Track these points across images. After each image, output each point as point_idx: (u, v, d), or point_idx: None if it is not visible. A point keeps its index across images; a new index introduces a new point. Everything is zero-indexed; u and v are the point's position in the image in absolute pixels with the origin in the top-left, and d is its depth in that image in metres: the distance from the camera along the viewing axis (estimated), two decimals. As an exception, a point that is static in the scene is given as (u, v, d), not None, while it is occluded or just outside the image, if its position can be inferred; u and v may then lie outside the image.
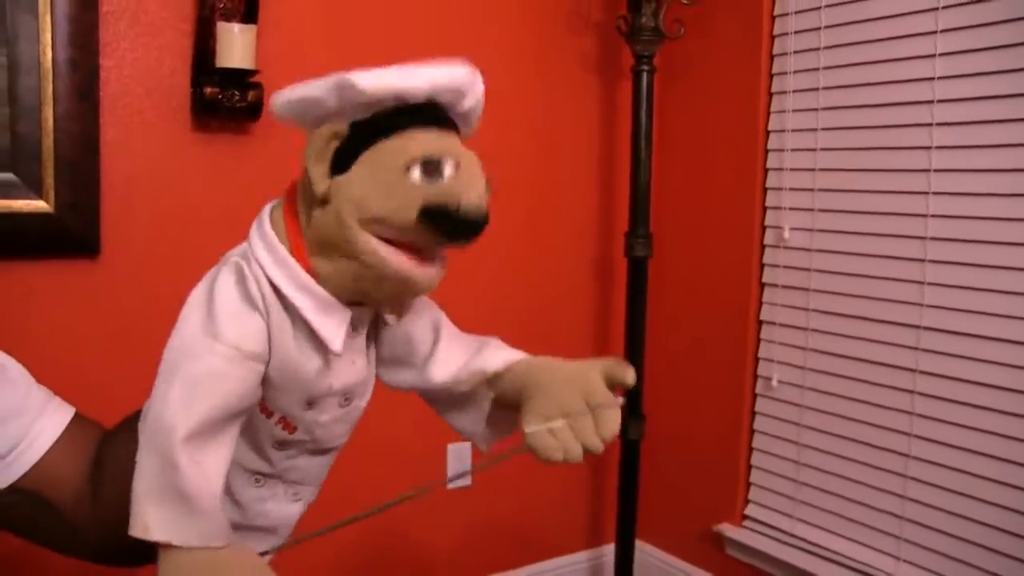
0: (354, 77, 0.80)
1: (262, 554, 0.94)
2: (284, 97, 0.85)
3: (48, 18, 1.78)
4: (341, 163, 0.81)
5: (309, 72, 2.21)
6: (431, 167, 0.79)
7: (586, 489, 2.73)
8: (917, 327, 2.05)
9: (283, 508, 0.97)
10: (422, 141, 0.80)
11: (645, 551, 2.68)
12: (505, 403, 0.94)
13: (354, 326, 0.88)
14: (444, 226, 0.79)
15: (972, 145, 1.94)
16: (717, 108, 2.51)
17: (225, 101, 1.91)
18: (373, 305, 0.89)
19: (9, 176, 1.79)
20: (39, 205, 1.82)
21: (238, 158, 2.02)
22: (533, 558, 2.63)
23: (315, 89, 0.83)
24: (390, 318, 0.91)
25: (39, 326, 1.86)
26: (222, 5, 1.91)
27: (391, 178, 0.79)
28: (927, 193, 2.01)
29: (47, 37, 1.79)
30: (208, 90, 1.91)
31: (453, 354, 0.96)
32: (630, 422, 2.46)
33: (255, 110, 1.95)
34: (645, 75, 2.36)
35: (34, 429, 0.96)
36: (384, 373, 0.97)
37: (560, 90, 2.53)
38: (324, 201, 0.81)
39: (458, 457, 2.42)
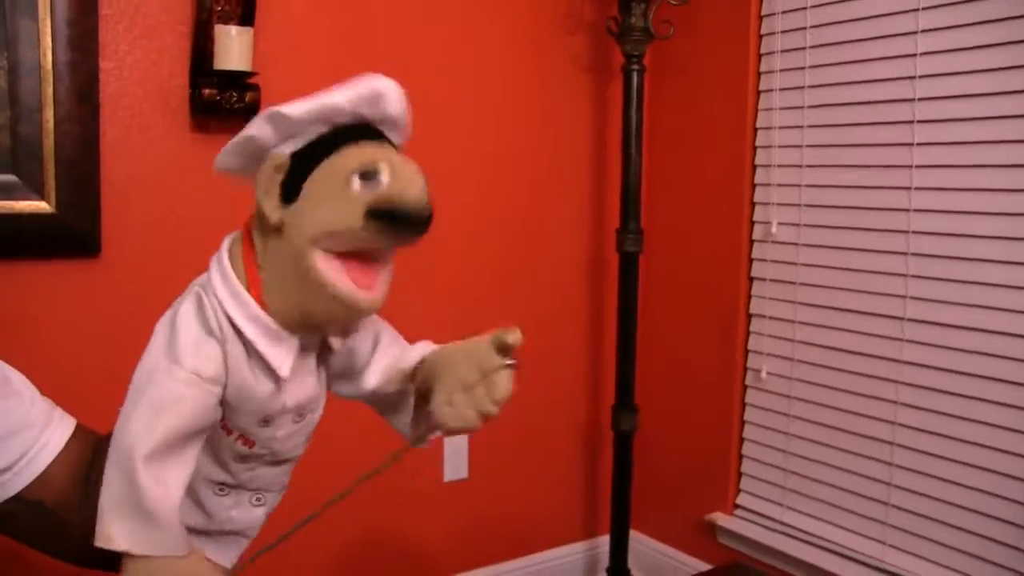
0: (281, 107, 0.87)
1: (244, 556, 1.01)
2: (223, 150, 0.91)
3: (48, 22, 1.82)
4: (289, 193, 0.87)
5: (307, 73, 2.27)
6: (369, 174, 0.85)
7: (581, 481, 2.77)
8: (901, 319, 2.10)
9: (247, 513, 1.03)
10: (357, 154, 0.86)
11: (639, 541, 2.73)
12: (425, 395, 1.00)
13: (304, 349, 0.94)
14: (390, 223, 0.84)
15: (952, 142, 1.99)
16: (706, 106, 2.56)
17: (224, 102, 1.95)
18: (320, 332, 0.96)
19: (10, 177, 1.82)
20: (40, 206, 1.85)
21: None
22: (529, 550, 2.67)
23: (248, 128, 0.89)
24: (335, 342, 0.97)
25: (40, 325, 1.90)
26: (219, 8, 1.94)
27: (334, 193, 0.85)
28: (909, 188, 2.06)
29: (47, 40, 1.82)
30: (207, 91, 1.95)
31: (384, 360, 1.03)
32: (623, 414, 2.51)
33: (253, 111, 1.98)
34: (635, 74, 2.40)
35: (39, 441, 1.03)
36: (334, 386, 1.05)
37: (553, 89, 2.57)
38: (279, 230, 0.87)
39: (455, 452, 2.47)
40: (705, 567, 2.47)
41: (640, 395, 2.61)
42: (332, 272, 0.86)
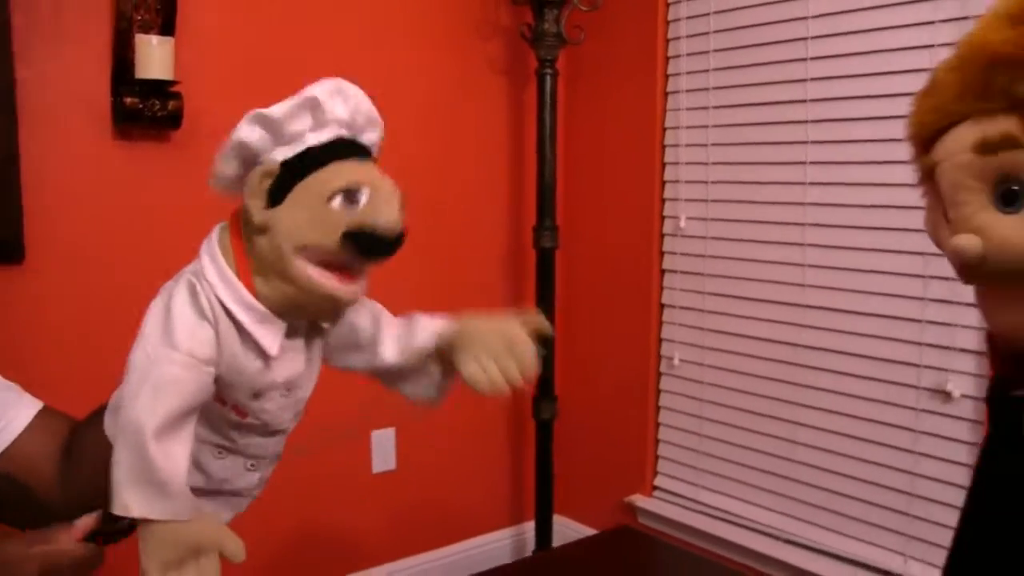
0: (264, 110, 0.95)
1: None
2: (218, 158, 1.00)
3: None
4: (275, 197, 0.96)
5: (229, 81, 2.31)
6: (350, 196, 0.95)
7: (506, 469, 2.87)
8: (799, 305, 2.23)
9: (243, 478, 1.12)
10: (342, 173, 0.96)
11: (564, 524, 2.83)
12: (446, 363, 1.11)
13: (292, 329, 1.03)
14: (363, 247, 0.95)
15: (842, 140, 2.13)
16: (617, 107, 2.67)
17: (146, 111, 1.99)
18: (307, 318, 1.05)
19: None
20: (-39, 215, 1.87)
21: (159, 165, 2.10)
22: (457, 537, 2.75)
23: (237, 133, 0.99)
24: (324, 324, 1.07)
25: (-31, 332, 1.92)
26: (139, 17, 1.97)
27: (316, 208, 0.94)
28: (804, 184, 2.20)
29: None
30: (128, 100, 1.98)
31: (397, 335, 1.12)
32: (543, 403, 2.61)
33: (175, 119, 2.03)
34: (549, 78, 2.51)
35: (6, 417, 1.11)
36: (335, 359, 1.15)
37: (471, 92, 2.65)
38: (262, 230, 0.96)
39: (383, 444, 2.54)
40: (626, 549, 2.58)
41: (560, 385, 2.71)
42: (314, 274, 0.95)
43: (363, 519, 2.54)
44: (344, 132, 1.00)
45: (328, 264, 0.97)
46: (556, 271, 2.63)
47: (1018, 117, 0.73)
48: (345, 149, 0.99)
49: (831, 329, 2.17)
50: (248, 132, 0.96)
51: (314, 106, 0.97)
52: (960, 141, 0.78)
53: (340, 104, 0.99)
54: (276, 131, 0.96)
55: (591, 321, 2.80)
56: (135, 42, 1.96)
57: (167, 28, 2.00)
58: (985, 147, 0.75)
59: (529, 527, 2.83)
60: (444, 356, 1.11)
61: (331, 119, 0.98)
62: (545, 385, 2.62)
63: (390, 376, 1.17)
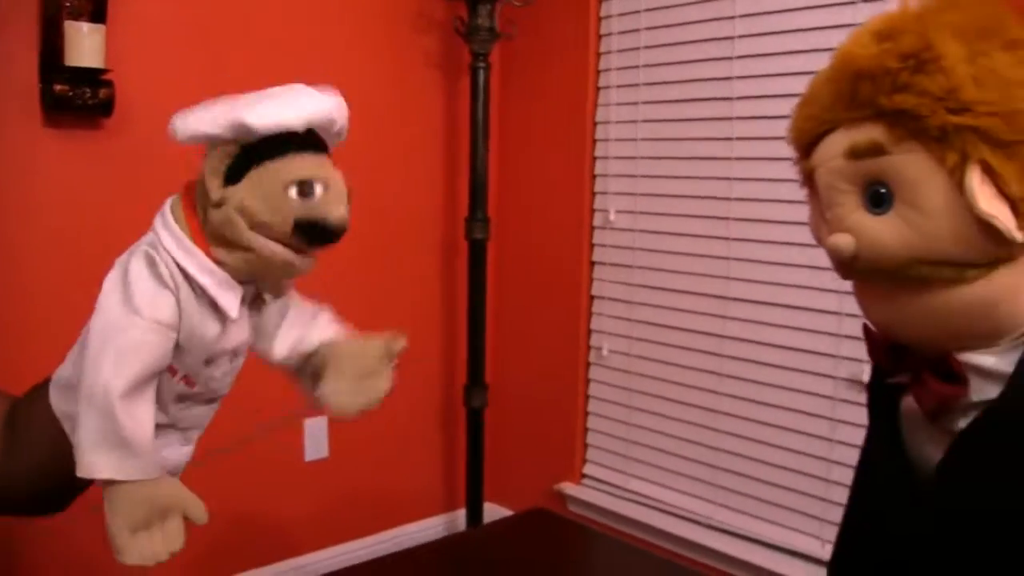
0: (247, 118, 0.99)
1: None
2: (188, 131, 1.04)
3: None
4: (233, 176, 1.00)
5: (162, 69, 2.30)
6: (305, 188, 1.01)
7: (438, 457, 2.90)
8: (724, 297, 2.30)
9: (177, 451, 1.15)
10: (299, 165, 1.02)
11: (495, 512, 2.86)
12: (317, 375, 1.15)
13: (244, 299, 1.07)
14: (312, 237, 1.00)
15: (765, 137, 2.20)
16: (549, 102, 2.71)
17: (76, 99, 1.97)
18: (259, 285, 1.09)
19: None
20: None
21: (91, 154, 2.08)
22: (390, 524, 2.77)
23: (214, 128, 1.02)
24: (268, 296, 1.11)
25: None
26: (68, 4, 1.95)
27: (273, 194, 0.99)
28: (729, 179, 2.27)
29: None
30: (58, 88, 1.96)
31: (291, 333, 1.17)
32: (474, 391, 2.65)
33: (107, 107, 2.02)
34: (482, 72, 2.54)
35: None
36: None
37: (406, 85, 2.67)
38: (218, 205, 1.00)
39: (315, 432, 2.55)
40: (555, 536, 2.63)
41: (492, 373, 2.76)
42: (270, 245, 0.98)
43: (296, 507, 2.55)
44: (303, 126, 1.05)
45: (281, 243, 1.01)
46: (488, 262, 2.68)
47: (884, 125, 0.78)
48: (304, 141, 1.04)
49: (754, 321, 2.24)
50: (221, 131, 1.01)
51: (284, 126, 1.03)
52: (833, 147, 0.83)
53: (306, 101, 1.05)
54: (242, 128, 1.01)
55: (522, 311, 2.84)
56: (65, 29, 1.94)
57: (98, 15, 1.98)
58: (854, 153, 0.81)
59: (461, 514, 2.87)
60: (316, 369, 1.15)
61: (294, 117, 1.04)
62: (476, 373, 2.66)
63: (285, 370, 1.22)
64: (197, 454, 1.16)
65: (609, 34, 2.54)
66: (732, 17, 2.23)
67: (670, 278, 2.43)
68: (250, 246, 0.99)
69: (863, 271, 0.83)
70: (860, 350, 2.07)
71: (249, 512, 2.45)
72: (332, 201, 1.01)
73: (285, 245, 1.01)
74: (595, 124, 2.61)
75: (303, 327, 1.19)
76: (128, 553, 0.96)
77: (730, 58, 2.24)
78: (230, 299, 1.02)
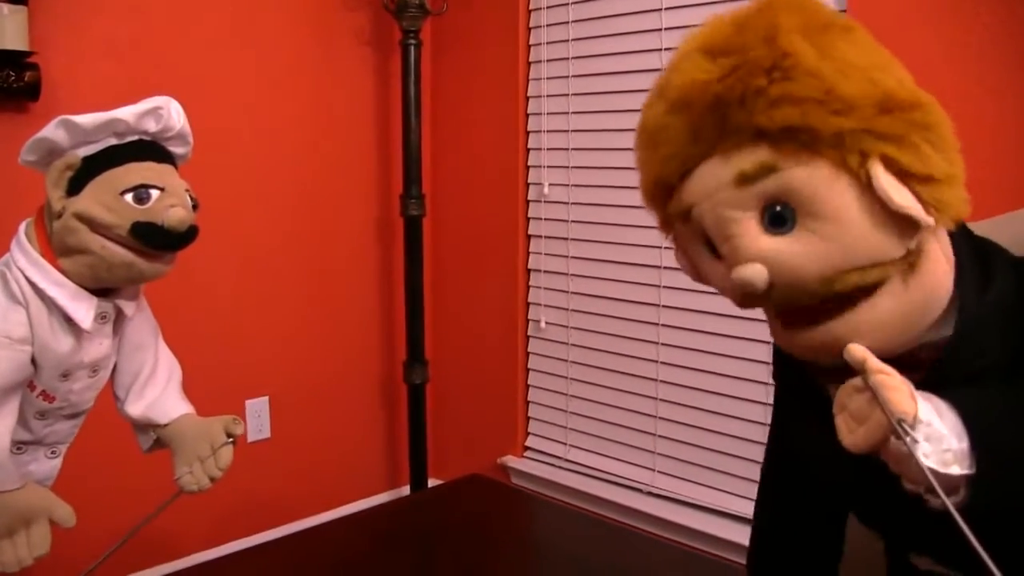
0: (74, 117, 1.04)
1: None
2: (24, 146, 1.07)
3: None
4: (74, 187, 1.05)
5: (88, 51, 2.26)
6: (140, 193, 1.04)
7: (380, 434, 2.90)
8: (658, 267, 2.33)
9: (44, 465, 1.21)
10: (136, 171, 1.07)
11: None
12: (161, 442, 1.29)
13: (103, 315, 1.12)
14: (151, 240, 1.05)
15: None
16: (481, 77, 2.72)
17: (0, 82, 1.92)
18: (113, 294, 1.13)
19: None
20: None
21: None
22: (334, 504, 2.76)
23: (44, 131, 1.06)
24: (127, 308, 1.14)
25: None
26: (-14, -15, 1.91)
27: (110, 200, 1.04)
28: (660, 149, 2.29)
29: None
30: (-21, 71, 1.92)
31: (146, 394, 1.26)
32: (414, 368, 2.66)
33: (33, 91, 1.97)
34: (412, 48, 2.53)
35: None
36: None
37: (337, 63, 2.65)
38: (59, 215, 1.05)
39: (256, 412, 2.54)
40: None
41: (432, 349, 2.76)
42: (109, 245, 1.05)
43: (237, 488, 2.53)
44: (147, 137, 1.08)
45: (125, 245, 1.05)
46: (424, 239, 2.68)
47: (767, 144, 0.74)
48: (144, 151, 1.08)
49: (689, 289, 2.27)
50: (54, 133, 1.04)
51: (120, 124, 1.06)
52: (712, 179, 0.77)
53: (151, 123, 1.10)
54: (81, 139, 1.04)
55: (460, 287, 2.85)
56: (-17, 10, 1.89)
57: (18, -4, 1.94)
58: (744, 179, 0.75)
59: (404, 491, 2.88)
60: (161, 439, 1.27)
61: (136, 131, 1.07)
62: (416, 350, 2.67)
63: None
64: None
65: (539, 8, 2.55)
66: (661, -9, 2.25)
67: (605, 249, 2.45)
68: (90, 249, 1.03)
69: (781, 299, 0.77)
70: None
71: (190, 496, 2.42)
72: (169, 205, 1.05)
73: (127, 248, 1.05)
74: (527, 99, 2.62)
75: (157, 391, 1.26)
76: None
77: (659, 30, 2.26)
78: (81, 310, 1.07)
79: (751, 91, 0.73)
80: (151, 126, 1.09)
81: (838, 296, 0.75)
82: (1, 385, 1.02)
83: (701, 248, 0.83)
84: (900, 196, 0.71)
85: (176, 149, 1.14)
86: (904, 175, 0.72)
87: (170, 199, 1.05)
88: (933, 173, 0.73)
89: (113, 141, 1.06)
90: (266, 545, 1.43)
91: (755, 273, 0.75)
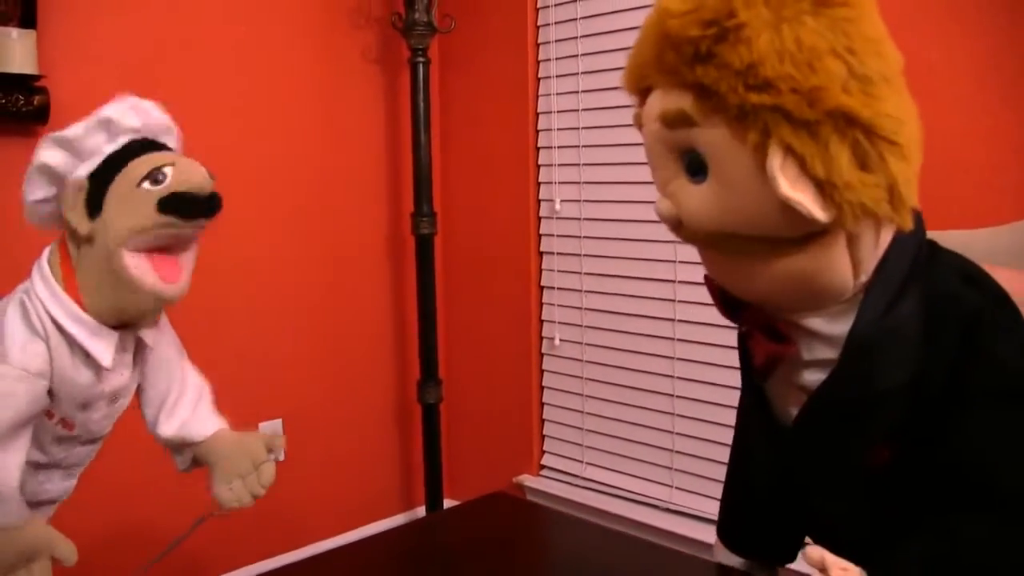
0: (59, 132, 1.05)
1: None
2: (25, 183, 1.05)
3: None
4: (94, 207, 1.03)
5: (98, 73, 2.25)
6: (155, 175, 1.02)
7: (395, 455, 2.88)
8: (673, 281, 2.31)
9: (59, 485, 1.20)
10: (143, 162, 1.05)
11: (454, 509, 2.87)
12: (198, 460, 1.28)
13: (123, 347, 1.11)
14: (180, 209, 1.02)
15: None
16: (490, 94, 2.71)
17: (10, 106, 1.92)
18: (134, 327, 1.12)
19: None
20: None
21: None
22: (348, 526, 2.74)
23: (37, 158, 1.04)
24: (147, 336, 1.12)
25: None
26: (-4, 9, 1.92)
27: (130, 195, 1.03)
28: (672, 163, 2.27)
29: None
30: (-11, 95, 1.92)
31: (177, 414, 1.25)
32: (428, 387, 2.64)
33: (43, 114, 1.97)
34: (421, 66, 2.53)
35: None
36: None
37: (345, 82, 2.65)
38: (90, 240, 1.03)
39: (270, 434, 2.51)
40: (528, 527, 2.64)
41: (445, 368, 2.75)
42: (139, 270, 1.01)
43: (252, 511, 2.50)
44: (137, 136, 1.07)
45: (155, 251, 1.04)
46: (436, 257, 2.67)
47: (692, 95, 0.74)
48: (142, 147, 1.06)
49: (704, 303, 2.25)
50: (49, 155, 1.03)
51: (107, 123, 1.04)
52: (651, 109, 0.80)
53: (133, 116, 1.09)
54: (75, 149, 1.03)
55: (472, 305, 2.84)
56: (-8, 35, 1.90)
57: (28, 20, 1.94)
58: (665, 120, 0.77)
59: (420, 512, 2.86)
60: (197, 457, 1.26)
61: (124, 129, 1.06)
62: (429, 369, 2.65)
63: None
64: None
65: (547, 24, 2.55)
66: (669, 2, 2.24)
67: (619, 265, 2.44)
68: (117, 267, 1.01)
69: (687, 237, 0.82)
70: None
71: (222, 516, 2.40)
72: (187, 172, 1.04)
73: (161, 255, 1.04)
74: (537, 114, 2.61)
75: (189, 410, 1.25)
76: None
77: (668, 43, 2.25)
78: (102, 347, 1.05)
79: (685, 38, 0.73)
80: (134, 121, 1.08)
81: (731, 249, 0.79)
82: (17, 418, 1.01)
83: None
84: (788, 186, 0.71)
85: (167, 139, 1.13)
86: (805, 168, 0.71)
87: (186, 169, 1.04)
88: (832, 177, 0.71)
89: (107, 148, 1.05)
90: (292, 567, 1.39)
91: (665, 208, 0.81)
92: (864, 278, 0.81)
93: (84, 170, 1.04)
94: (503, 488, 2.73)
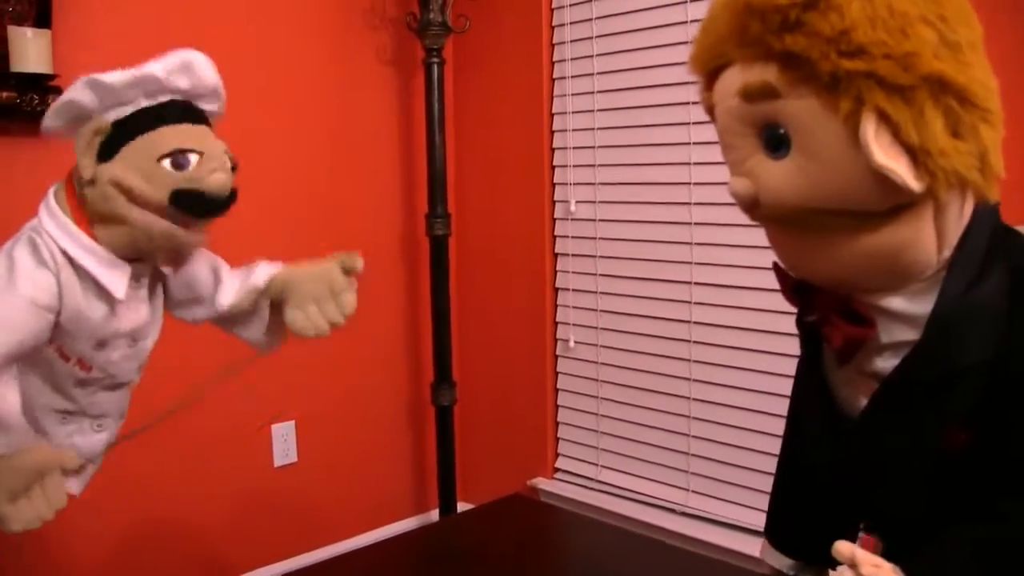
0: (100, 75, 1.01)
1: None
2: (49, 111, 1.03)
3: None
4: (106, 153, 1.01)
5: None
6: (179, 159, 0.99)
7: (408, 457, 2.87)
8: (689, 283, 2.30)
9: (89, 439, 1.16)
10: (172, 135, 1.01)
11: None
12: (276, 307, 1.19)
13: (136, 279, 1.07)
14: (192, 207, 0.99)
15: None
16: (505, 95, 2.70)
17: (24, 105, 1.92)
18: (150, 260, 1.08)
19: None
20: None
21: (40, 161, 2.03)
22: (362, 528, 2.73)
23: (69, 92, 1.00)
24: (167, 270, 1.10)
25: None
26: (11, 8, 1.91)
27: (147, 167, 1.00)
28: (689, 164, 2.26)
29: None
30: (4, 94, 1.91)
31: (233, 283, 1.16)
32: (442, 389, 2.63)
33: (57, 115, 1.97)
34: (436, 67, 2.52)
35: None
36: (180, 313, 1.20)
37: (359, 83, 2.64)
38: (92, 183, 1.01)
39: (283, 437, 2.52)
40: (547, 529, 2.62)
41: (459, 371, 2.73)
42: (149, 218, 0.98)
43: (265, 514, 2.51)
44: (179, 97, 1.04)
45: (164, 215, 1.02)
46: (450, 258, 2.66)
47: (777, 66, 0.73)
48: (178, 113, 1.03)
49: (720, 305, 2.24)
50: (81, 95, 1.00)
51: (152, 81, 1.01)
52: (728, 85, 0.78)
53: (182, 78, 1.04)
54: (110, 98, 1.00)
55: (487, 306, 2.82)
56: (8, 34, 1.89)
57: (42, 20, 1.95)
58: (747, 94, 0.76)
59: (434, 515, 2.85)
60: (275, 302, 1.18)
61: (169, 89, 1.03)
62: (443, 371, 2.64)
63: (227, 322, 1.23)
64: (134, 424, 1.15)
65: (562, 24, 2.53)
66: (685, 1, 2.22)
67: (634, 266, 2.42)
68: (128, 219, 0.99)
69: (764, 216, 0.81)
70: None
71: (219, 520, 2.40)
72: (209, 170, 1.01)
73: (165, 218, 1.01)
74: (552, 115, 2.59)
75: (243, 275, 1.19)
76: (13, 520, 0.96)
77: (685, 42, 2.24)
78: (115, 278, 1.03)
79: (772, 7, 0.71)
80: (182, 83, 1.04)
81: (813, 226, 0.77)
82: (14, 349, 0.98)
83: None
84: (882, 153, 0.69)
85: (208, 106, 1.09)
86: (900, 134, 0.70)
87: (210, 163, 1.01)
88: (926, 143, 0.70)
89: (144, 103, 1.02)
90: (310, 569, 1.37)
91: (742, 187, 0.79)
92: (947, 253, 0.79)
93: (112, 115, 1.02)
94: (517, 491, 2.71)
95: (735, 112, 0.78)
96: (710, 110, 0.85)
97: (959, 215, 0.79)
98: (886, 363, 0.84)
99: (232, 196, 1.03)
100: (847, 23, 0.69)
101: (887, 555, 0.80)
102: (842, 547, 0.76)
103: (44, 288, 0.99)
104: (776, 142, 0.75)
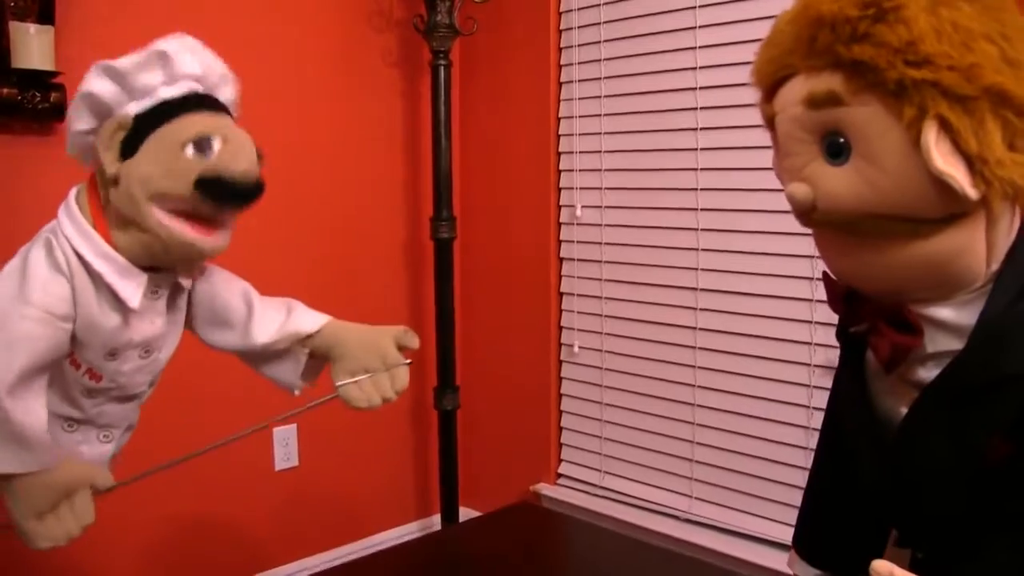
0: (112, 61, 0.98)
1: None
2: (69, 112, 1.00)
3: None
4: (129, 149, 0.98)
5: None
6: (202, 144, 0.97)
7: (410, 462, 2.85)
8: (695, 289, 2.28)
9: (95, 449, 1.13)
10: (194, 123, 0.98)
11: (469, 516, 2.83)
12: (316, 357, 1.12)
13: (154, 290, 1.04)
14: (217, 194, 0.96)
15: (729, 126, 2.18)
16: (512, 98, 2.69)
17: (25, 102, 1.90)
18: (169, 270, 1.06)
19: None
20: None
21: (43, 158, 2.03)
22: (363, 533, 2.73)
23: (84, 85, 0.98)
24: (185, 281, 1.07)
25: None
26: (13, 4, 1.89)
27: (169, 157, 0.96)
28: (695, 169, 2.25)
29: None
30: (6, 91, 1.90)
31: (269, 318, 1.13)
32: (445, 394, 2.61)
33: (59, 111, 1.95)
34: (442, 69, 2.51)
35: None
36: (206, 335, 1.15)
37: (366, 85, 2.63)
38: (116, 182, 0.97)
39: (284, 441, 2.50)
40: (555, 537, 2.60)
41: (463, 375, 2.72)
42: (166, 221, 0.96)
43: (266, 517, 2.50)
44: (198, 87, 1.02)
45: (186, 215, 0.98)
46: (454, 262, 2.64)
47: (842, 75, 0.77)
48: (199, 103, 1.00)
49: (726, 311, 2.22)
50: (97, 84, 0.97)
51: (164, 60, 0.99)
52: (792, 94, 0.82)
53: (190, 59, 1.03)
54: (126, 84, 0.97)
55: (491, 311, 2.81)
56: (10, 30, 1.88)
57: (45, 16, 1.93)
58: (812, 102, 0.79)
59: (435, 520, 2.83)
60: (316, 352, 1.16)
61: (183, 74, 1.01)
62: (446, 375, 2.62)
63: (256, 357, 1.21)
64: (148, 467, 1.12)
65: (570, 28, 2.52)
66: (694, 7, 2.21)
67: (640, 272, 2.41)
68: (147, 223, 0.96)
69: (820, 221, 0.83)
70: (833, 337, 2.07)
71: (219, 523, 2.39)
72: (234, 154, 0.98)
73: (188, 218, 0.98)
74: (558, 119, 2.58)
75: (282, 310, 1.17)
76: (38, 537, 0.95)
77: (693, 48, 2.22)
78: (130, 287, 1.00)
79: (842, 18, 0.76)
80: (191, 63, 1.02)
81: (868, 231, 0.80)
82: (34, 364, 0.95)
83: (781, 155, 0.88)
84: (942, 160, 0.73)
85: (225, 92, 1.07)
86: (959, 143, 0.73)
87: (234, 149, 0.99)
88: (984, 152, 0.73)
89: (163, 93, 0.99)
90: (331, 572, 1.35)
91: (801, 192, 0.82)
92: (995, 266, 0.82)
93: (134, 108, 0.99)
94: (519, 496, 2.70)
95: (798, 119, 0.81)
96: (770, 120, 0.88)
97: (1008, 229, 0.82)
98: (929, 373, 0.85)
99: (259, 186, 1.00)
100: (914, 35, 0.73)
101: (920, 566, 0.80)
102: (879, 566, 0.75)
103: (58, 297, 0.96)
104: (837, 148, 0.79)
